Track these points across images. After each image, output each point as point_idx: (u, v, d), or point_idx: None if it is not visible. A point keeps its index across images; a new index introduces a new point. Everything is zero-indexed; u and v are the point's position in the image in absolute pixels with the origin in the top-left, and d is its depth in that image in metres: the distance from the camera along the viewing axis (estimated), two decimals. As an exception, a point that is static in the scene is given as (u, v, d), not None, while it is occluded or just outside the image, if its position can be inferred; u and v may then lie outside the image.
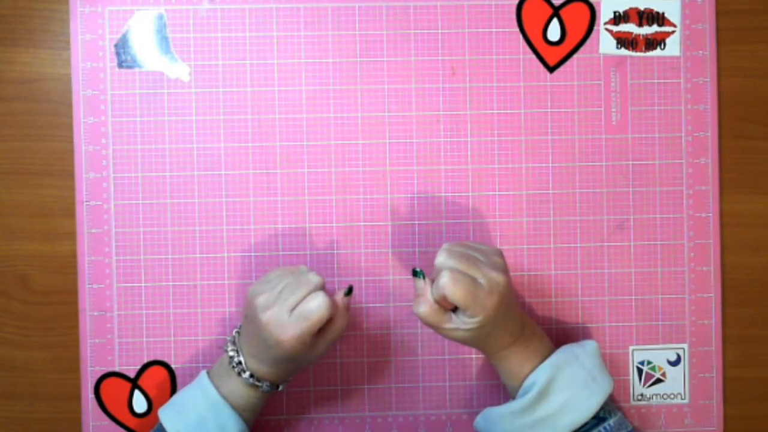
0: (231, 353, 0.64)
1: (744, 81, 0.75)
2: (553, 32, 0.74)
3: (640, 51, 0.74)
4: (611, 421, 0.62)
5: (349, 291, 0.64)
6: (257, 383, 0.63)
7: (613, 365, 0.74)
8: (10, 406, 0.73)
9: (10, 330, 0.73)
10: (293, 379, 0.69)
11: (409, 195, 0.73)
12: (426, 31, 0.73)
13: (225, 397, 0.63)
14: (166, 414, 0.64)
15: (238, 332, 0.66)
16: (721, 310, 0.74)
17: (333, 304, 0.61)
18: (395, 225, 0.73)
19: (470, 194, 0.74)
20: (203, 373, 0.65)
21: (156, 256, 0.72)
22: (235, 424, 0.63)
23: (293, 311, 0.60)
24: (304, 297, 0.60)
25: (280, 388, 0.65)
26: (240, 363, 0.63)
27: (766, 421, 0.75)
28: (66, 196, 0.72)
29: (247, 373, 0.63)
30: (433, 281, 0.61)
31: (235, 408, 0.63)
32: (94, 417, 0.72)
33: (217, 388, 0.64)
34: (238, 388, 0.64)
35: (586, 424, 0.62)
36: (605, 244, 0.74)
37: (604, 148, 0.74)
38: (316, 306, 0.60)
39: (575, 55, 0.74)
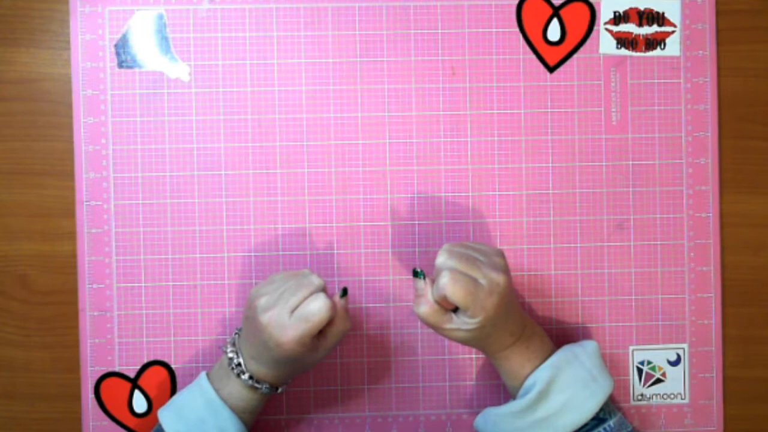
0: (230, 354, 0.64)
1: (744, 81, 0.75)
2: (553, 32, 0.74)
3: (640, 51, 0.74)
4: (611, 422, 0.62)
5: (344, 293, 0.63)
6: (257, 385, 0.63)
7: (613, 365, 0.74)
8: (10, 406, 0.73)
9: (10, 330, 0.73)
10: (293, 381, 0.69)
11: (409, 195, 0.73)
12: (426, 31, 0.73)
13: (224, 399, 0.63)
14: (165, 415, 0.64)
15: (237, 333, 0.66)
16: (721, 310, 0.74)
17: (334, 306, 0.61)
18: (395, 225, 0.73)
19: (470, 194, 0.74)
20: (202, 375, 0.65)
21: (156, 256, 0.72)
22: (234, 425, 0.63)
23: (294, 313, 0.60)
24: (305, 299, 0.60)
25: (280, 390, 0.65)
26: (239, 365, 0.63)
27: (766, 421, 0.75)
28: (66, 196, 0.72)
29: (247, 375, 0.63)
30: (433, 281, 0.61)
31: (234, 410, 0.63)
32: (94, 417, 0.72)
33: (216, 389, 0.64)
34: (238, 390, 0.64)
35: (586, 424, 0.62)
36: (605, 244, 0.74)
37: (604, 148, 0.74)
38: (317, 307, 0.60)
39: (575, 55, 0.74)
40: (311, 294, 0.61)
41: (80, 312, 0.72)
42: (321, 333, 0.62)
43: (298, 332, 0.59)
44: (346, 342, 0.73)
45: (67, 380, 0.73)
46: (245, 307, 0.64)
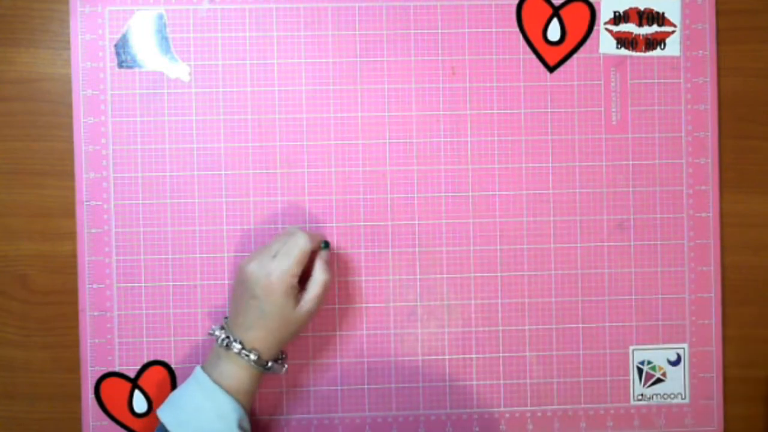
0: (218, 333, 0.65)
1: (744, 81, 0.75)
2: (553, 32, 0.74)
3: (640, 51, 0.74)
4: None
5: (326, 245, 0.68)
6: (247, 353, 0.64)
7: (613, 365, 0.74)
8: (10, 406, 0.73)
9: (10, 330, 0.73)
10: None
11: (409, 195, 0.73)
12: (426, 31, 0.73)
13: (218, 383, 0.64)
14: (163, 411, 0.64)
15: (225, 319, 0.67)
16: (721, 310, 0.74)
17: (314, 240, 0.66)
18: (395, 225, 0.73)
19: (470, 194, 0.74)
20: (197, 367, 0.66)
21: (156, 256, 0.72)
22: (234, 410, 0.63)
23: (276, 256, 0.64)
24: (286, 243, 0.64)
25: (270, 365, 0.65)
26: (228, 337, 0.64)
27: (766, 421, 0.75)
28: (66, 196, 0.72)
29: (237, 344, 0.64)
30: None
31: (228, 391, 0.64)
32: (94, 417, 0.72)
33: (210, 376, 0.64)
34: (229, 369, 0.64)
35: None
36: (605, 244, 0.74)
37: (604, 148, 0.74)
38: (295, 240, 0.64)
39: (575, 55, 0.74)
40: (290, 238, 0.65)
41: (80, 312, 0.72)
42: (303, 286, 0.65)
43: (280, 268, 0.63)
44: (346, 342, 0.73)
45: (67, 380, 0.73)
46: (233, 286, 0.67)
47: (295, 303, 0.64)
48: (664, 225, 0.74)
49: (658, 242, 0.74)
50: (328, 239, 0.72)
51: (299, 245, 0.64)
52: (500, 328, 0.74)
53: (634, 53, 0.74)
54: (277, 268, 0.63)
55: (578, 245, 0.74)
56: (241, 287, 0.65)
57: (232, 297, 0.67)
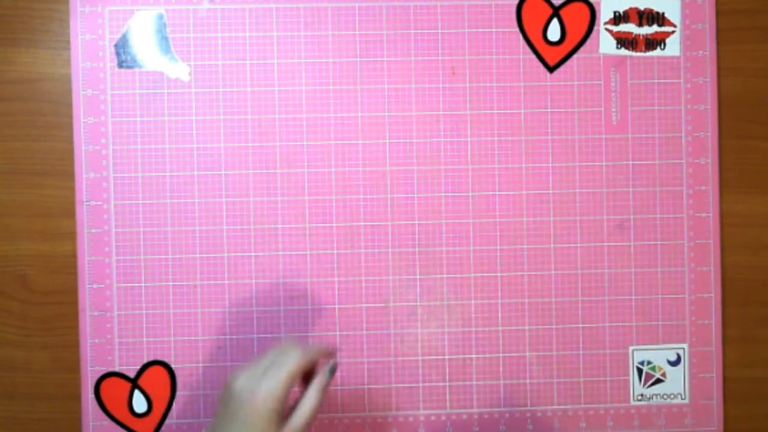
0: None
1: (744, 81, 0.75)
2: (553, 32, 0.74)
3: (640, 51, 0.74)
4: None
5: (332, 370, 0.61)
6: None
7: (613, 365, 0.74)
8: (11, 406, 0.73)
9: (10, 330, 0.73)
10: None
11: (409, 195, 0.73)
12: (426, 31, 0.73)
13: None
14: None
15: None
16: (721, 310, 0.74)
17: (309, 357, 0.59)
18: (395, 225, 0.73)
19: (470, 194, 0.74)
20: None
21: (156, 256, 0.72)
22: None
23: (265, 374, 0.58)
24: (276, 360, 0.59)
25: None
26: None
27: (766, 421, 0.75)
28: (66, 196, 0.73)
29: None
30: None
31: None
32: (94, 417, 0.72)
33: None
34: None
35: None
36: (605, 244, 0.74)
37: (604, 148, 0.74)
38: (287, 356, 0.58)
39: (575, 55, 0.74)
40: (284, 352, 0.59)
41: (80, 312, 0.72)
42: (291, 408, 0.59)
43: (270, 384, 0.57)
44: (346, 342, 0.73)
45: (67, 380, 0.73)
46: (219, 400, 0.60)
47: (277, 429, 0.57)
48: (664, 225, 0.74)
49: (658, 242, 0.74)
50: (337, 362, 0.65)
51: (288, 366, 0.58)
52: (500, 328, 0.74)
53: (634, 53, 0.74)
54: (265, 382, 0.57)
55: (578, 245, 0.74)
56: (226, 406, 0.58)
57: (216, 413, 0.60)
